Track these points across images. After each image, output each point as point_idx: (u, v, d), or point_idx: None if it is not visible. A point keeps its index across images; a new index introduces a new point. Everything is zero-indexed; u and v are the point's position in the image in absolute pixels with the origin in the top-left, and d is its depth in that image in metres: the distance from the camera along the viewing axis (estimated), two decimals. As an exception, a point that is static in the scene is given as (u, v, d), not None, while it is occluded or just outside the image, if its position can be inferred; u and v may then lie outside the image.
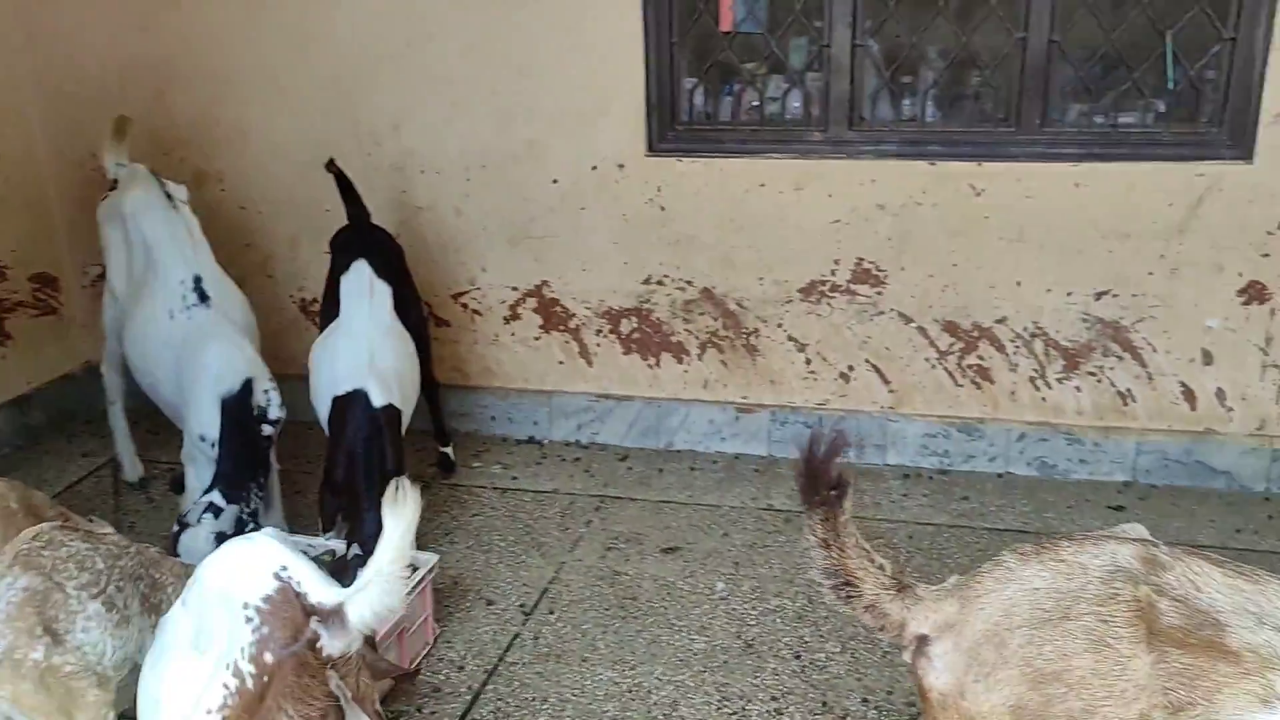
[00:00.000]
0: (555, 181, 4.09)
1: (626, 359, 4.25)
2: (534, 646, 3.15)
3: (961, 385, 4.00)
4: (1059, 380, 3.92)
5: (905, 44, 3.81)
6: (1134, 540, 1.78)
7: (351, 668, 2.00)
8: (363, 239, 3.74)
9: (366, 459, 3.15)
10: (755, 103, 4.02)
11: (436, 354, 4.22)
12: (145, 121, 4.15)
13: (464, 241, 4.24)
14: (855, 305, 3.99)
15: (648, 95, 3.94)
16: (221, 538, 2.91)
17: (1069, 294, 3.82)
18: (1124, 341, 3.83)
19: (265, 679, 1.88)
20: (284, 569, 1.92)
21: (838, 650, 3.09)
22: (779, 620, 3.24)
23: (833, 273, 3.98)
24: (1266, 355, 3.75)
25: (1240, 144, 3.60)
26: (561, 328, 4.27)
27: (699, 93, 4.02)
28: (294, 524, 3.63)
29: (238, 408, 3.21)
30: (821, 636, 3.15)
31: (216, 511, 3.07)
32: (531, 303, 4.27)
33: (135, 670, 2.17)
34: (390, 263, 3.70)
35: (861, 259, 3.94)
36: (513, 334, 4.33)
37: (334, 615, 1.88)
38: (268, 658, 1.88)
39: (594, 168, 4.05)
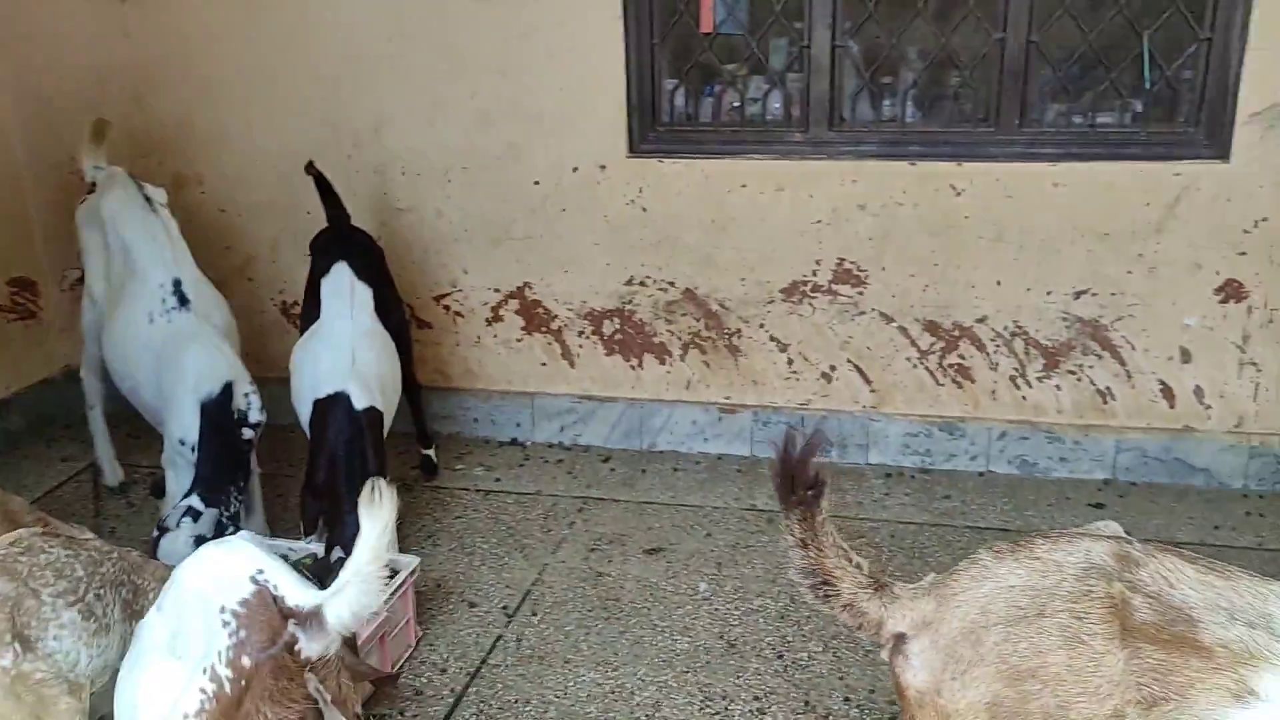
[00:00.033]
0: (537, 183, 4.09)
1: (609, 360, 4.25)
2: (517, 648, 3.15)
3: (942, 384, 4.02)
4: (1039, 379, 3.94)
5: (885, 45, 3.82)
6: (1108, 537, 1.80)
7: (331, 670, 2.00)
8: (343, 241, 3.73)
9: (348, 461, 3.15)
10: (736, 103, 4.03)
11: (419, 356, 4.21)
12: (124, 124, 4.14)
13: (445, 243, 4.24)
14: (837, 305, 4.01)
15: (629, 96, 3.94)
16: (201, 541, 2.88)
17: (1048, 293, 3.84)
18: (1103, 340, 3.85)
19: (243, 683, 1.88)
20: (260, 572, 1.92)
21: (820, 650, 3.10)
22: (762, 620, 3.25)
23: (814, 273, 3.99)
24: (1244, 353, 3.77)
25: (1217, 143, 3.62)
26: (544, 329, 4.27)
27: (680, 94, 4.03)
28: (276, 527, 3.62)
29: (217, 411, 3.20)
30: (804, 636, 3.16)
31: (195, 515, 3.06)
32: (513, 304, 4.26)
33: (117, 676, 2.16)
34: (371, 265, 3.70)
35: (843, 259, 3.95)
36: (495, 336, 4.33)
37: (312, 617, 1.87)
38: (245, 662, 1.88)
39: (575, 169, 4.05)
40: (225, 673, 1.88)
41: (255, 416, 3.33)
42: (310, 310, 3.62)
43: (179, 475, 3.26)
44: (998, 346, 3.94)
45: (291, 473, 3.85)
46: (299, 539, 3.27)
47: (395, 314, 3.82)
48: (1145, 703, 1.66)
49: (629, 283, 4.14)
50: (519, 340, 4.31)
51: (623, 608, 3.32)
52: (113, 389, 3.72)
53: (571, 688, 2.98)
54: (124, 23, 4.22)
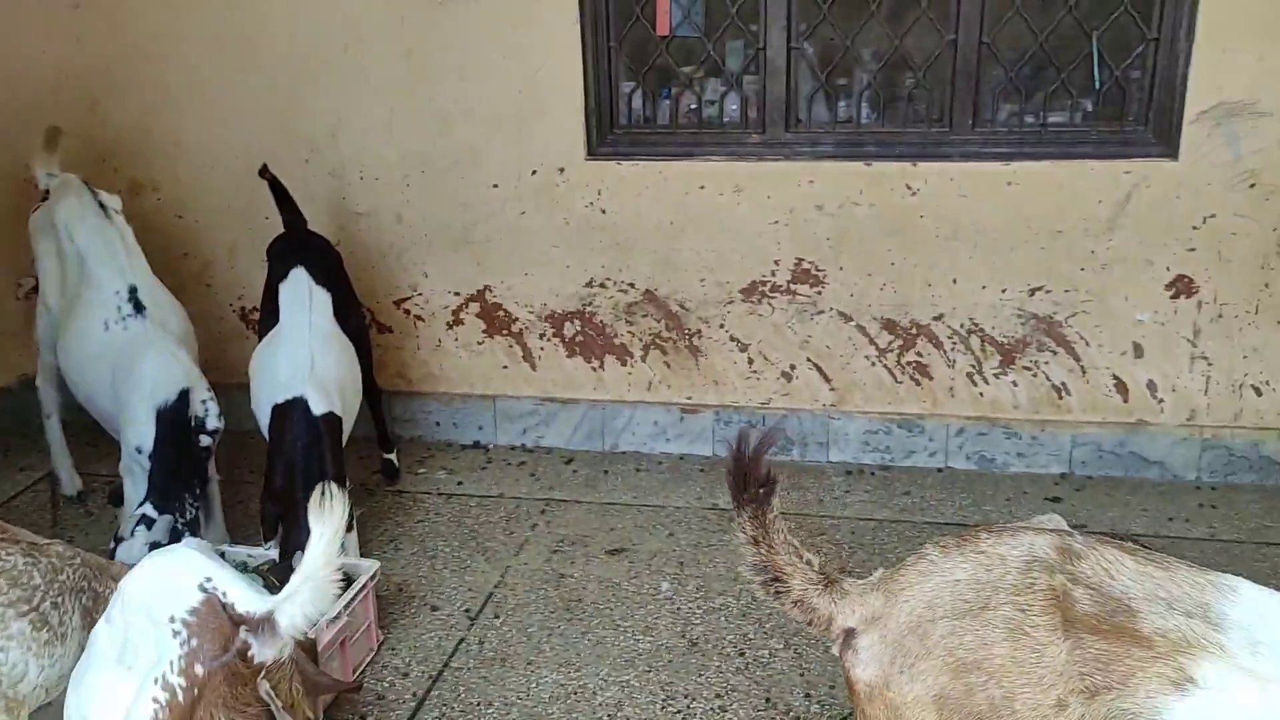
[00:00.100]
0: (496, 186, 4.09)
1: (570, 362, 4.26)
2: (479, 651, 3.15)
3: (901, 382, 4.06)
4: (996, 375, 3.99)
5: (839, 46, 3.86)
6: (1050, 531, 1.83)
7: (285, 674, 2.00)
8: (300, 246, 3.72)
9: (306, 467, 3.14)
10: (693, 106, 4.05)
11: (380, 360, 4.21)
12: (79, 131, 4.11)
13: (405, 247, 4.23)
14: (796, 305, 4.04)
15: (587, 99, 3.96)
16: (156, 549, 2.88)
17: (1004, 290, 3.89)
18: (1058, 336, 3.90)
19: (196, 691, 1.87)
20: (208, 580, 1.92)
21: (781, 647, 3.13)
22: (723, 618, 3.27)
23: (773, 273, 4.02)
24: (1195, 347, 3.84)
25: (1165, 141, 3.68)
26: (505, 332, 4.27)
27: (637, 96, 4.05)
28: (237, 534, 3.60)
29: (173, 419, 3.18)
30: (765, 633, 3.18)
31: (149, 523, 3.05)
32: (474, 307, 4.26)
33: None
34: (329, 269, 3.68)
35: (801, 259, 3.99)
36: (456, 339, 4.32)
37: (263, 623, 1.87)
38: (198, 670, 1.88)
39: (534, 172, 4.06)
40: (178, 681, 1.87)
41: (213, 423, 3.31)
42: (269, 316, 3.60)
43: (137, 483, 3.24)
44: (955, 344, 3.98)
45: (252, 479, 3.83)
46: (259, 545, 3.26)
47: (354, 318, 3.81)
48: (1088, 692, 1.69)
49: (589, 285, 4.15)
50: (480, 343, 4.31)
51: (585, 608, 3.33)
52: (70, 398, 3.69)
53: (534, 689, 2.98)
54: (76, 28, 4.19)
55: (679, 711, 2.89)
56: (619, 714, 2.88)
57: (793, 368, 4.12)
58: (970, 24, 3.70)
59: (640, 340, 4.19)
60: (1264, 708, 1.62)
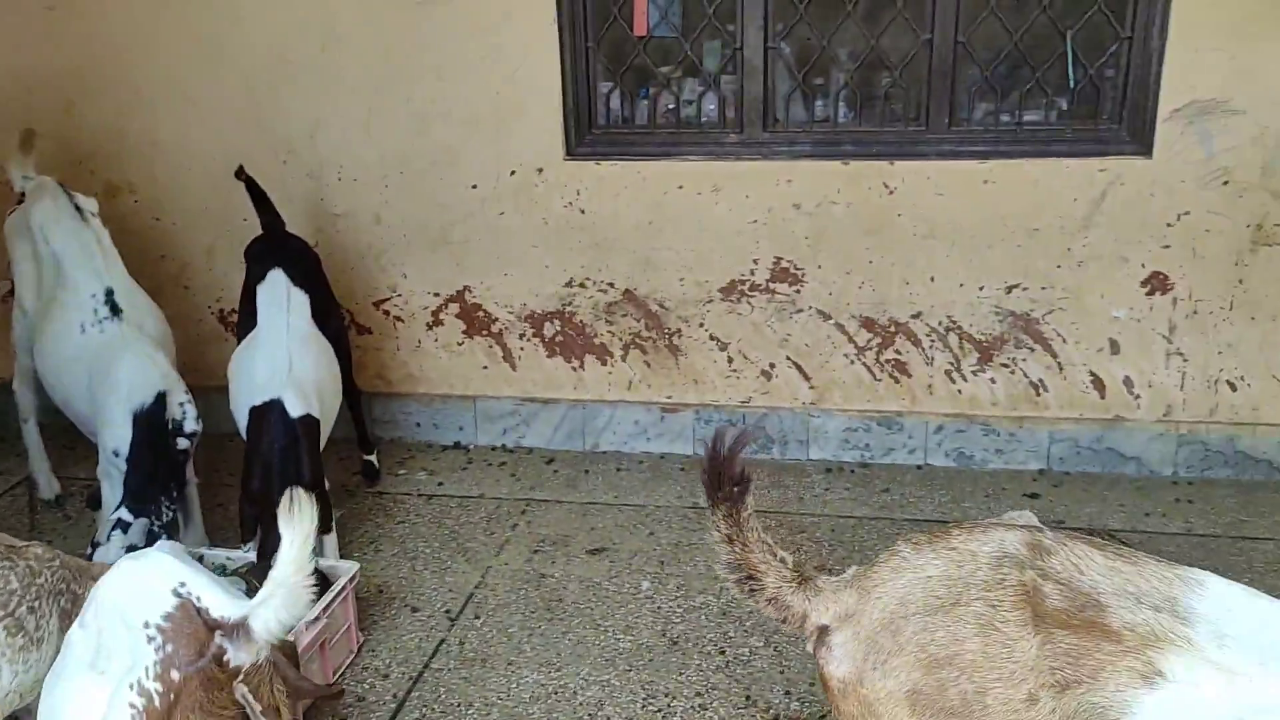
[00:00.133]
0: (474, 186, 4.09)
1: (550, 362, 4.27)
2: (460, 652, 3.15)
3: (880, 379, 4.08)
4: (974, 372, 4.01)
5: (816, 46, 3.87)
6: (1021, 526, 1.85)
7: (262, 677, 1.99)
8: (278, 247, 3.71)
9: (282, 469, 3.13)
10: (671, 106, 4.05)
11: (359, 361, 4.20)
12: (54, 133, 4.09)
13: (384, 248, 4.23)
14: (775, 304, 4.05)
15: (565, 100, 3.96)
16: (133, 552, 2.87)
17: (981, 288, 3.91)
18: (1035, 333, 3.93)
19: (172, 696, 1.87)
20: (182, 585, 1.91)
21: (761, 645, 3.14)
22: (704, 617, 3.28)
23: (752, 272, 4.03)
24: (1170, 343, 3.87)
25: (1140, 139, 3.71)
26: (484, 332, 4.27)
27: (615, 96, 4.05)
28: (216, 536, 3.60)
29: (149, 421, 3.17)
30: (745, 632, 3.20)
31: (125, 527, 3.04)
32: (454, 308, 4.26)
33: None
34: (307, 271, 3.68)
35: (780, 258, 4.00)
36: (436, 340, 4.32)
37: (239, 628, 1.87)
38: (174, 675, 1.87)
39: (513, 172, 4.06)
40: (154, 686, 1.87)
41: (191, 426, 3.31)
42: (247, 318, 3.60)
43: (114, 487, 3.22)
44: (933, 341, 4.00)
45: (231, 482, 3.81)
46: (238, 548, 3.25)
47: (333, 320, 3.80)
48: (1058, 686, 1.71)
49: (569, 284, 4.16)
50: (460, 344, 4.31)
51: (566, 608, 3.33)
52: (47, 401, 3.68)
53: (515, 689, 2.99)
54: (51, 29, 4.16)
55: (660, 710, 2.90)
56: (600, 713, 2.89)
57: (772, 366, 4.13)
58: (946, 24, 3.72)
59: (620, 340, 4.20)
60: (1231, 700, 1.64)
